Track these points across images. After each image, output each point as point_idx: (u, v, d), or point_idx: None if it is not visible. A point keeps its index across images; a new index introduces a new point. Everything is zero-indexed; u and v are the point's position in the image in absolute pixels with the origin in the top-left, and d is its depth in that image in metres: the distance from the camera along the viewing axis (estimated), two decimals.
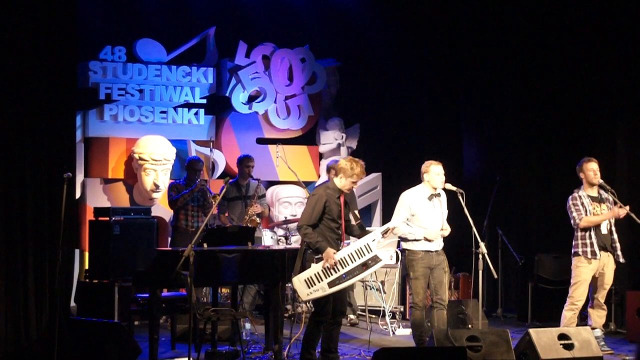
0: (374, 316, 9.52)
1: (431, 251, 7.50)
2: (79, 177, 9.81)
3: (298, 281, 6.92)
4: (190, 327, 6.68)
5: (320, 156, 11.29)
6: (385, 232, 7.07)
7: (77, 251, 9.28)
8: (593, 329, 7.75)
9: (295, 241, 9.16)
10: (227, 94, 10.73)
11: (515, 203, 10.83)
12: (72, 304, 8.47)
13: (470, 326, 8.43)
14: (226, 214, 9.60)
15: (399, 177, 10.76)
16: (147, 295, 7.41)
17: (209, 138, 10.39)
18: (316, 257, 6.92)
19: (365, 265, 6.96)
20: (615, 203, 8.13)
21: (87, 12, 9.50)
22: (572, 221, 8.10)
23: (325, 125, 11.38)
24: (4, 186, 6.99)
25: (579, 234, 8.06)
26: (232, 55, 10.75)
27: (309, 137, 11.31)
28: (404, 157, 11.18)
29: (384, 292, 9.51)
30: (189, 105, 10.55)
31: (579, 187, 8.18)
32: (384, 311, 9.27)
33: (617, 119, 9.82)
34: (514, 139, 10.95)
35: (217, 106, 10.81)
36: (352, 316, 9.49)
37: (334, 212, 7.00)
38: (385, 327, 9.17)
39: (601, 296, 8.10)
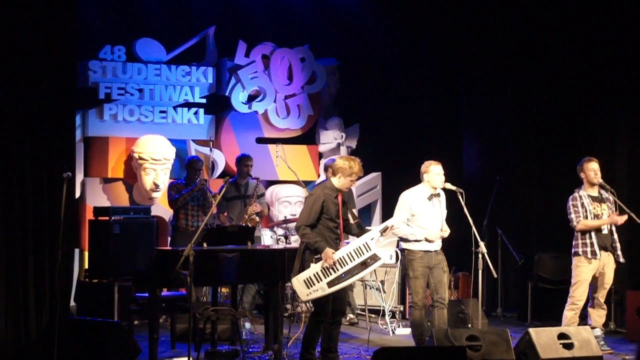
0: (373, 316, 9.52)
1: (430, 251, 7.51)
2: (79, 177, 9.81)
3: (297, 281, 6.92)
4: (190, 326, 6.68)
5: (320, 156, 11.29)
6: (384, 231, 7.06)
7: (76, 251, 9.27)
8: (593, 328, 7.75)
9: (295, 240, 9.15)
10: (226, 94, 10.74)
11: (515, 203, 10.84)
12: (72, 303, 8.46)
13: (470, 326, 8.43)
14: (225, 214, 9.60)
15: (399, 177, 10.74)
16: (146, 294, 7.40)
17: (209, 137, 10.40)
18: (315, 257, 6.92)
19: (364, 264, 6.96)
20: (615, 203, 8.14)
21: (87, 11, 9.50)
22: (570, 222, 8.11)
23: (325, 125, 11.38)
24: (3, 186, 6.98)
25: (579, 234, 8.07)
26: (231, 55, 10.75)
27: (308, 137, 11.31)
28: (404, 157, 11.17)
29: (384, 292, 9.51)
30: (188, 105, 10.56)
31: (580, 187, 8.18)
32: (383, 311, 9.28)
33: (617, 119, 9.82)
34: (514, 139, 10.95)
35: (217, 106, 10.81)
36: (351, 315, 9.50)
37: (332, 212, 6.99)
38: (385, 326, 9.17)
39: (601, 296, 8.11)
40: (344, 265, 6.91)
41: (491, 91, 11.16)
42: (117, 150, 10.12)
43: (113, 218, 8.71)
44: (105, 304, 8.36)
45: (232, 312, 7.50)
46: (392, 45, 11.49)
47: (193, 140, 10.54)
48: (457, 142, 11.56)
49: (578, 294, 8.01)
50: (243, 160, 9.75)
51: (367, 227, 7.28)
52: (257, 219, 9.59)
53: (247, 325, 8.52)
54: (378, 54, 11.54)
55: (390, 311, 9.40)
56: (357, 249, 6.97)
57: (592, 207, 8.07)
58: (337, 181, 7.06)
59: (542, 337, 7.06)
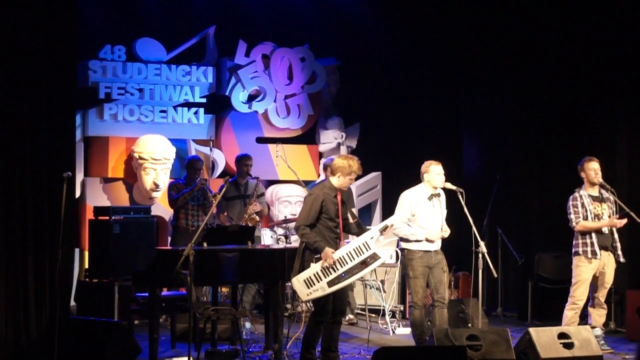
0: (373, 315, 9.52)
1: (430, 251, 7.51)
2: (79, 177, 9.81)
3: (297, 281, 6.91)
4: (190, 326, 6.68)
5: (320, 155, 11.29)
6: (383, 230, 7.06)
7: (77, 250, 9.26)
8: (593, 327, 7.76)
9: (295, 240, 9.15)
10: (226, 93, 10.74)
11: (515, 202, 10.84)
12: (72, 303, 8.46)
13: (470, 325, 8.43)
14: (225, 214, 9.60)
15: (399, 177, 10.75)
16: (147, 294, 7.40)
17: (209, 137, 10.39)
18: (315, 256, 6.92)
19: (364, 264, 6.96)
20: (615, 203, 8.15)
21: (87, 11, 9.50)
22: (569, 222, 8.12)
23: (325, 125, 11.38)
24: (3, 186, 6.98)
25: (579, 233, 8.08)
26: (231, 55, 10.75)
27: (308, 137, 11.31)
28: (404, 157, 11.18)
29: (384, 291, 9.51)
30: (188, 105, 10.56)
31: (581, 187, 8.19)
32: (383, 310, 9.28)
33: (617, 119, 9.82)
34: (514, 139, 10.95)
35: (217, 105, 10.81)
36: (350, 316, 9.48)
37: (332, 211, 6.99)
38: (385, 326, 9.17)
39: (601, 295, 8.11)
40: (344, 265, 6.91)
41: (491, 91, 11.16)
42: (117, 150, 10.12)
43: (113, 218, 8.71)
44: (105, 304, 8.36)
45: (232, 312, 7.50)
46: (392, 45, 11.49)
47: (193, 140, 10.54)
48: (457, 142, 11.56)
49: (578, 293, 8.02)
50: (242, 160, 9.75)
51: (366, 227, 7.28)
52: (257, 218, 9.58)
53: (247, 325, 8.52)
54: (378, 54, 11.54)
55: (390, 311, 9.40)
56: (356, 248, 6.97)
57: (593, 207, 8.08)
58: (336, 180, 7.05)
59: (543, 336, 7.06)
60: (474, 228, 7.36)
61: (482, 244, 7.34)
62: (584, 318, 8.32)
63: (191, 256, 6.53)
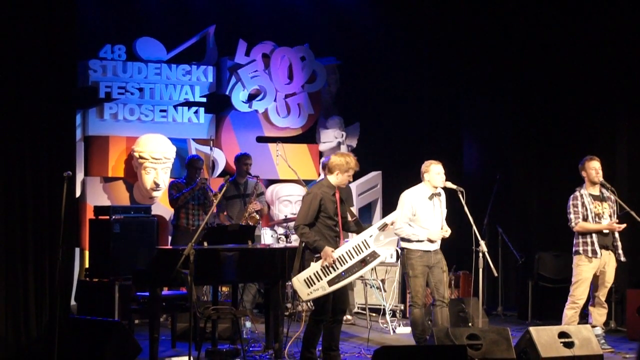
0: (374, 314, 9.52)
1: (429, 251, 7.51)
2: (79, 176, 9.81)
3: (298, 281, 6.91)
4: (191, 325, 6.68)
5: (320, 155, 11.28)
6: (382, 228, 7.06)
7: (77, 250, 9.27)
8: (593, 327, 7.76)
9: (296, 239, 9.15)
10: (227, 93, 10.73)
11: (516, 201, 10.84)
12: (73, 302, 8.46)
13: (470, 324, 8.43)
14: (225, 213, 9.60)
15: (399, 176, 10.75)
16: (147, 294, 7.40)
17: (209, 136, 10.39)
18: (315, 256, 6.92)
19: (364, 262, 6.96)
20: (616, 202, 8.15)
21: (87, 10, 9.51)
22: (568, 222, 8.12)
23: (325, 124, 11.38)
24: (3, 186, 6.98)
25: (580, 233, 8.08)
26: (232, 54, 10.74)
27: (309, 136, 11.31)
28: (404, 156, 11.18)
29: (384, 291, 9.51)
30: (189, 104, 10.56)
31: (582, 186, 8.19)
32: (384, 309, 9.27)
33: (617, 119, 9.82)
34: (514, 139, 10.95)
35: (217, 105, 10.81)
36: (348, 316, 9.44)
37: (331, 210, 6.99)
38: (385, 325, 9.17)
39: (602, 294, 8.11)
40: (344, 264, 6.91)
41: (491, 91, 11.16)
42: (117, 150, 10.12)
43: (113, 217, 8.71)
44: (105, 303, 8.36)
45: (233, 311, 7.50)
46: (392, 45, 11.49)
47: (193, 139, 10.54)
48: (457, 142, 11.56)
49: (578, 292, 8.02)
50: (242, 159, 9.75)
51: (365, 225, 7.28)
52: (258, 216, 9.58)
53: (248, 324, 8.52)
54: (378, 53, 11.54)
55: (390, 310, 9.40)
56: (356, 246, 6.97)
57: (593, 206, 8.08)
58: (335, 178, 7.05)
59: (543, 335, 7.06)
60: (474, 227, 7.36)
61: (482, 243, 7.34)
62: (584, 317, 8.33)
63: (191, 255, 6.53)
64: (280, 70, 10.96)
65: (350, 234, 7.55)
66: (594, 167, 8.12)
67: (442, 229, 7.55)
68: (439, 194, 7.61)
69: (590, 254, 8.00)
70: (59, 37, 7.32)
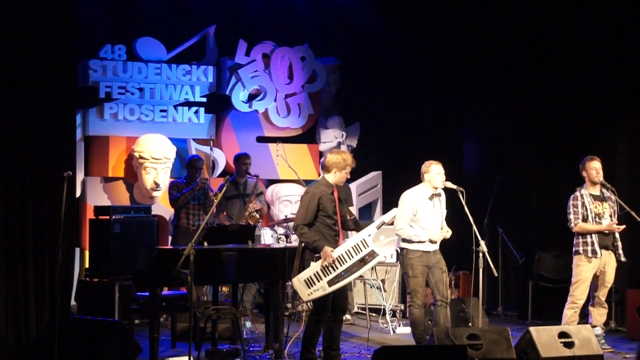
0: (374, 314, 9.52)
1: (429, 251, 7.51)
2: (79, 176, 9.81)
3: (298, 282, 6.91)
4: (191, 325, 6.68)
5: (321, 154, 11.28)
6: (380, 226, 7.06)
7: (77, 250, 9.27)
8: (593, 327, 7.76)
9: (296, 239, 9.15)
10: (227, 93, 10.73)
11: (516, 201, 10.84)
12: (73, 302, 8.47)
13: (470, 324, 8.43)
14: (224, 213, 9.60)
15: (399, 176, 10.75)
16: (147, 294, 7.40)
17: (209, 136, 10.39)
18: (315, 256, 6.92)
19: (363, 261, 6.96)
20: (617, 202, 8.15)
21: (87, 10, 9.51)
22: (568, 222, 8.12)
23: (326, 124, 11.38)
24: (4, 185, 6.99)
25: (579, 233, 8.08)
26: (232, 54, 10.74)
27: (309, 136, 11.31)
28: (404, 156, 11.18)
29: (384, 291, 9.51)
30: (189, 104, 10.56)
31: (582, 186, 8.19)
32: (384, 309, 9.27)
33: (617, 119, 9.82)
34: (514, 139, 10.95)
35: (217, 105, 10.81)
36: (348, 316, 9.44)
37: (329, 209, 6.98)
38: (385, 325, 9.17)
39: (602, 294, 8.11)
40: (343, 263, 6.91)
41: (491, 91, 11.15)
42: (117, 150, 10.12)
43: (113, 217, 8.71)
44: (105, 303, 8.36)
45: (233, 311, 7.50)
46: (392, 45, 11.49)
47: (193, 139, 10.54)
48: (457, 142, 11.56)
49: (578, 292, 8.02)
50: (241, 159, 9.75)
51: (364, 221, 7.28)
52: (258, 215, 9.57)
53: (248, 324, 8.52)
54: (378, 52, 11.54)
55: (390, 310, 9.40)
56: (354, 246, 6.97)
57: (594, 206, 8.08)
58: (333, 176, 7.04)
59: (543, 335, 7.06)
60: (474, 227, 7.35)
61: (482, 243, 7.33)
62: (584, 317, 8.33)
63: (192, 255, 6.53)
64: (280, 70, 10.96)
65: (349, 233, 7.55)
66: (594, 167, 8.12)
67: (441, 229, 7.55)
68: (439, 195, 7.61)
69: (590, 254, 8.00)
70: (59, 37, 7.32)
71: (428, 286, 7.59)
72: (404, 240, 7.54)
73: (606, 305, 8.18)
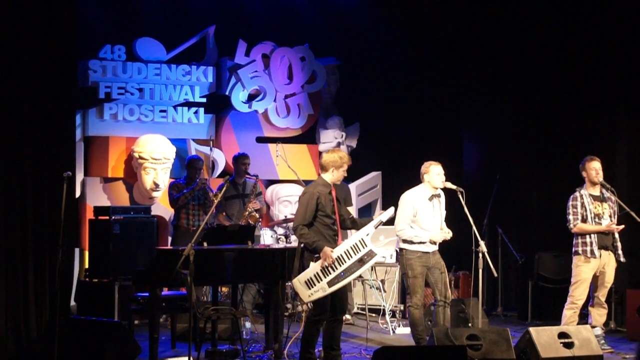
0: (374, 315, 9.52)
1: (428, 252, 7.52)
2: (79, 176, 9.81)
3: (298, 283, 6.91)
4: (191, 326, 6.68)
5: (320, 155, 11.27)
6: (378, 225, 7.06)
7: (77, 250, 9.27)
8: (593, 327, 7.76)
9: (296, 240, 9.15)
10: (226, 93, 10.73)
11: (515, 202, 10.83)
12: (72, 303, 8.47)
13: (470, 325, 8.43)
14: (224, 214, 9.60)
15: (399, 176, 10.76)
16: (147, 294, 7.40)
17: (209, 137, 10.39)
18: (315, 256, 6.92)
19: (361, 261, 6.96)
20: (616, 202, 8.15)
21: (87, 11, 9.50)
22: (567, 223, 8.13)
23: (325, 124, 11.38)
24: (4, 185, 6.99)
25: (579, 233, 8.08)
26: (231, 54, 10.74)
27: (308, 136, 11.31)
28: (404, 157, 11.18)
29: (384, 291, 9.51)
30: (188, 104, 10.55)
31: (582, 186, 8.19)
32: (383, 310, 9.28)
33: (617, 119, 9.82)
34: (514, 139, 10.95)
35: (217, 105, 10.81)
36: (347, 316, 9.44)
37: (328, 208, 6.97)
38: (385, 325, 9.17)
39: (602, 295, 8.11)
40: (343, 264, 6.90)
41: (491, 91, 11.15)
42: (117, 150, 10.11)
43: (113, 217, 8.71)
44: (105, 304, 8.36)
45: (233, 312, 7.50)
46: (392, 45, 11.49)
47: (193, 140, 10.54)
48: (457, 142, 11.56)
49: (578, 293, 8.02)
50: (240, 159, 9.75)
51: (362, 219, 7.28)
52: (257, 215, 9.57)
53: (248, 324, 8.52)
54: (378, 53, 11.54)
55: (390, 310, 9.40)
56: (353, 246, 6.96)
57: (593, 206, 8.08)
58: (330, 175, 7.04)
59: (543, 336, 7.06)
60: (474, 227, 7.36)
61: (482, 243, 7.34)
62: (584, 317, 8.33)
63: (191, 256, 6.53)
64: (280, 71, 10.96)
65: (347, 232, 7.55)
66: (594, 168, 8.12)
67: (441, 229, 7.55)
68: (438, 195, 7.61)
69: (589, 255, 8.00)
70: (59, 37, 7.33)
71: (428, 286, 7.59)
72: (404, 241, 7.54)
73: (606, 306, 8.18)
